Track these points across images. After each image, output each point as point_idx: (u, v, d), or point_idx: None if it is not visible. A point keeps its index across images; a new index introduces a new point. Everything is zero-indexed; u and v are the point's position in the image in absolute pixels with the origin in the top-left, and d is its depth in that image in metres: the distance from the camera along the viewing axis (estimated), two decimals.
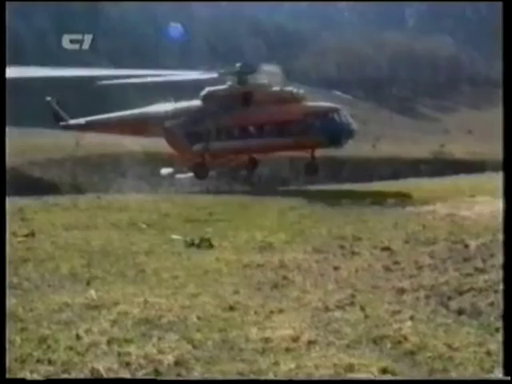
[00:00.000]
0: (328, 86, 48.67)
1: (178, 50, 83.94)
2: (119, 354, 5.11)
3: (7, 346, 5.19)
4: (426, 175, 32.12)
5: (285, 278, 8.01)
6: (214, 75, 27.05)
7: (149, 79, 28.35)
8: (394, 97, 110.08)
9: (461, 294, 7.07)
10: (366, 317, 6.27)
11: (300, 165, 31.27)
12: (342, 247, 10.12)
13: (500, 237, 8.49)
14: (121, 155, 35.82)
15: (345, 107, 27.50)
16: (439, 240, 10.44)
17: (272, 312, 6.43)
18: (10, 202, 13.64)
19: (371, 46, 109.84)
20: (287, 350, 5.34)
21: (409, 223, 12.84)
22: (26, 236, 10.83)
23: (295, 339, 5.56)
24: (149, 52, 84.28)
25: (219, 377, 4.76)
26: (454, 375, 4.85)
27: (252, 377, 4.75)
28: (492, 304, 6.53)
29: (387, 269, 8.48)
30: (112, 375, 4.72)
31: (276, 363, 4.97)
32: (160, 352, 5.17)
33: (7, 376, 4.67)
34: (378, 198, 18.39)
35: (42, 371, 4.76)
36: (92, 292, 7.05)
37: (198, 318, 6.16)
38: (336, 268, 8.56)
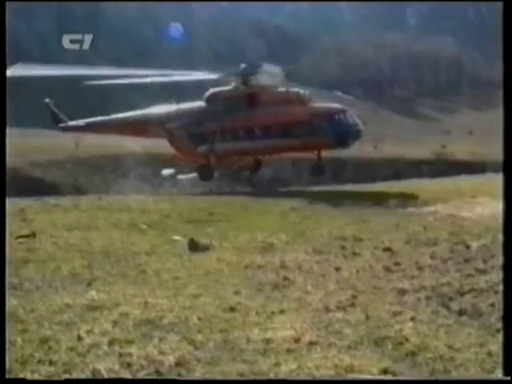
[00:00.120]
0: (329, 87, 48.63)
1: (178, 51, 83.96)
2: (120, 355, 5.11)
3: (8, 346, 5.19)
4: (428, 176, 32.12)
5: (286, 278, 8.00)
6: (219, 76, 27.04)
7: (151, 79, 28.32)
8: (396, 98, 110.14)
9: (462, 294, 7.06)
10: (367, 318, 6.27)
11: (301, 166, 31.29)
12: (343, 248, 10.11)
13: (501, 238, 8.48)
14: (122, 156, 35.85)
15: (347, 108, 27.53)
16: (440, 241, 10.44)
17: (273, 313, 6.43)
18: (11, 203, 13.67)
19: (372, 47, 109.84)
20: (288, 350, 5.33)
21: (410, 224, 12.84)
22: (27, 237, 10.83)
23: (296, 340, 5.55)
24: (149, 53, 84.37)
25: (220, 377, 4.76)
26: (454, 376, 4.85)
27: (253, 378, 4.75)
28: (493, 305, 6.52)
29: (388, 269, 8.47)
30: (113, 376, 4.73)
31: (277, 364, 4.97)
32: (161, 353, 5.17)
33: (7, 376, 4.67)
34: (379, 199, 18.39)
35: (43, 372, 4.76)
36: (93, 293, 7.05)
37: (199, 318, 6.16)
38: (337, 269, 8.56)
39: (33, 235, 10.98)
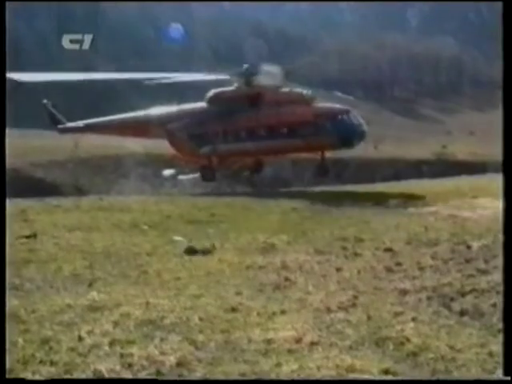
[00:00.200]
0: (329, 87, 48.61)
1: (178, 51, 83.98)
2: (121, 356, 5.12)
3: (10, 347, 5.19)
4: (428, 176, 32.12)
5: (287, 279, 8.00)
6: (222, 77, 27.00)
7: (155, 80, 28.25)
8: (396, 98, 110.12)
9: (463, 295, 7.06)
10: (369, 318, 6.27)
11: (302, 166, 31.26)
12: (344, 248, 10.11)
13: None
14: (123, 157, 35.84)
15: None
16: (441, 241, 10.44)
17: (274, 313, 6.43)
18: (13, 204, 13.68)
19: (373, 47, 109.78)
20: (289, 351, 5.33)
21: (411, 224, 12.85)
22: (29, 237, 10.84)
23: (298, 340, 5.55)
24: (149, 53, 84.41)
25: (221, 378, 4.76)
26: (455, 376, 4.85)
27: (254, 378, 4.75)
28: (494, 305, 6.51)
29: (389, 270, 8.47)
30: (114, 376, 4.73)
31: (278, 364, 4.97)
32: (162, 353, 5.17)
33: (8, 376, 4.67)
34: (380, 200, 18.39)
35: (44, 372, 4.76)
36: (94, 293, 7.06)
37: (200, 319, 6.16)
38: (338, 269, 8.55)
39: (34, 236, 10.98)
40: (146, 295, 7.02)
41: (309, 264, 8.91)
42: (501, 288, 6.84)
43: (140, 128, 27.46)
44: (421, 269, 8.45)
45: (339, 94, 33.03)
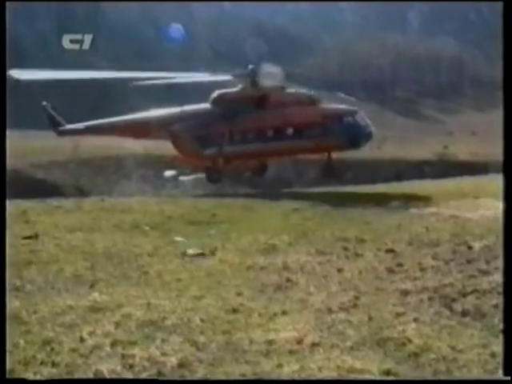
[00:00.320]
0: (331, 88, 48.60)
1: (178, 51, 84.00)
2: (123, 357, 5.12)
3: (11, 348, 5.19)
4: (430, 177, 32.09)
5: (288, 280, 8.00)
6: (227, 77, 26.93)
7: (155, 81, 28.18)
8: (398, 99, 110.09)
9: (464, 295, 7.06)
10: (370, 319, 6.27)
11: (303, 166, 31.24)
12: (345, 249, 10.10)
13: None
14: (124, 157, 35.83)
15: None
16: (443, 242, 10.43)
17: (275, 314, 6.43)
18: (14, 205, 13.69)
19: (374, 48, 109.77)
20: (291, 352, 5.34)
21: (412, 225, 12.83)
22: (30, 238, 10.84)
23: (299, 341, 5.55)
24: (150, 53, 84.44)
25: (223, 378, 4.76)
26: (456, 376, 4.85)
27: (255, 379, 4.75)
28: (496, 306, 6.51)
29: (391, 271, 8.47)
30: (115, 377, 4.73)
31: (280, 365, 4.97)
32: (163, 354, 5.17)
33: (9, 376, 4.68)
34: (382, 200, 18.36)
35: (46, 373, 4.76)
36: (95, 294, 7.06)
37: (202, 320, 6.16)
38: (339, 270, 8.55)
39: (35, 237, 10.99)
40: (148, 296, 7.03)
41: (310, 265, 8.90)
42: (502, 288, 6.84)
43: (141, 130, 27.31)
44: (422, 269, 8.44)
45: (342, 94, 32.97)
